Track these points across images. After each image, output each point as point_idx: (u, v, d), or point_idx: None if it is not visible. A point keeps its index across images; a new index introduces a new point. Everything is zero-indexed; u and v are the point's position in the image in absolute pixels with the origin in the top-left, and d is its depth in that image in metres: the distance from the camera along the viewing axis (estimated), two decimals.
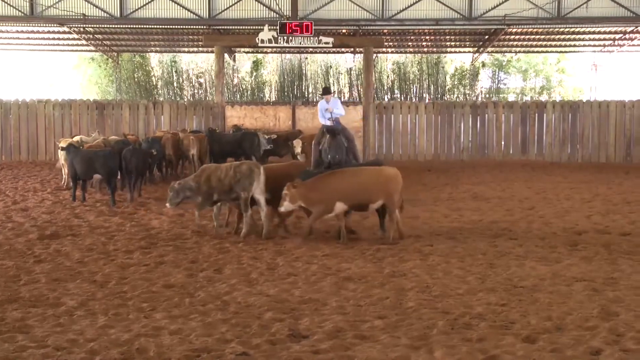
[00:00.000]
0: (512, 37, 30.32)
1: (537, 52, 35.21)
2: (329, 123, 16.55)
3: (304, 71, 36.43)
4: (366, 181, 12.08)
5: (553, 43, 31.96)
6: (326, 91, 17.45)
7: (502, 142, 28.19)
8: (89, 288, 9.00)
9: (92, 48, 32.88)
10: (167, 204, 12.88)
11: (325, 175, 12.32)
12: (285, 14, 26.03)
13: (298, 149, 20.71)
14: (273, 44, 26.01)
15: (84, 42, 30.90)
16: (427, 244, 11.85)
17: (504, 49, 33.88)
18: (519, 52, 35.10)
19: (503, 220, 14.10)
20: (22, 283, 9.24)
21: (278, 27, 25.25)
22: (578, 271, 9.88)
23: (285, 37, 25.44)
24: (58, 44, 32.28)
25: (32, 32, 29.63)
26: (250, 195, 12.47)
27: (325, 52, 33.89)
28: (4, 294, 8.63)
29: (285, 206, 11.92)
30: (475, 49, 32.84)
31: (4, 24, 28.07)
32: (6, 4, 25.86)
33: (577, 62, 39.24)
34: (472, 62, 35.34)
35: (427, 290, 8.89)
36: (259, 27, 25.90)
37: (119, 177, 17.18)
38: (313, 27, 25.22)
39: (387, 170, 12.40)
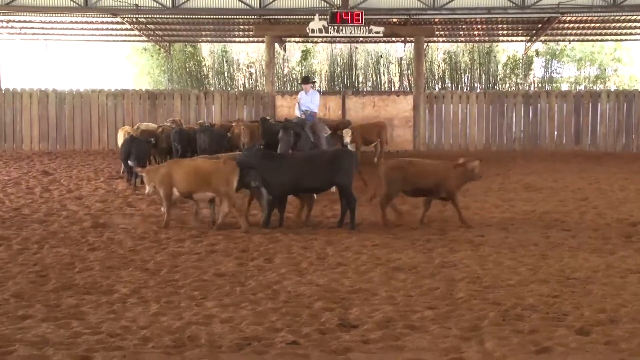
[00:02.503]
0: (566, 25, 29.89)
1: (592, 40, 34.67)
2: (299, 115, 16.57)
3: (354, 61, 36.37)
4: (189, 171, 12.28)
5: (608, 31, 31.42)
6: (305, 80, 17.41)
7: (555, 132, 27.81)
8: (141, 276, 9.11)
9: (145, 38, 33.23)
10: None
11: (169, 162, 13.11)
12: (335, 3, 26.01)
13: (347, 139, 20.70)
14: (323, 34, 26.00)
15: (136, 32, 31.24)
16: (478, 234, 11.77)
17: (558, 37, 33.40)
18: (573, 40, 34.55)
19: (555, 211, 13.92)
20: (76, 270, 9.38)
21: (328, 17, 25.21)
22: (633, 263, 9.72)
23: (335, 27, 25.39)
24: (111, 35, 32.69)
25: (86, 22, 30.04)
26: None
27: (375, 42, 33.77)
28: (59, 281, 8.77)
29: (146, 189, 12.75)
30: (528, 37, 32.44)
31: (59, 15, 28.51)
32: None
33: (634, 50, 38.53)
34: (524, 51, 34.91)
35: (477, 281, 8.82)
36: (310, 17, 25.88)
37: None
38: (364, 17, 25.15)
39: (209, 163, 12.52)
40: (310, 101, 16.98)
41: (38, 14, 28.34)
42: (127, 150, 17.06)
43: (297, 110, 17.15)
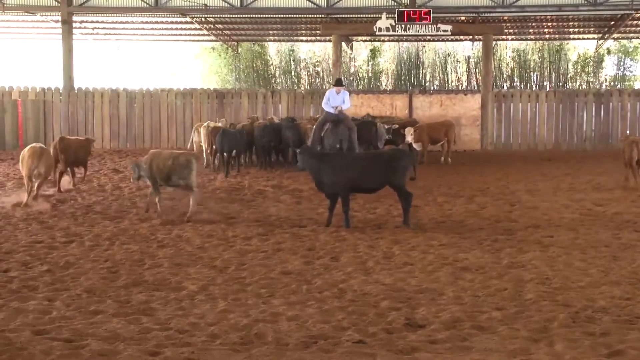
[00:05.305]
0: None
1: None
2: (332, 111, 17.72)
3: (421, 59, 36.17)
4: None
5: None
6: (338, 82, 19.07)
7: (628, 131, 27.23)
8: (209, 273, 9.21)
9: (213, 38, 33.61)
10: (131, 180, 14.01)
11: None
12: (403, 1, 25.90)
13: (409, 137, 20.60)
14: (391, 32, 25.92)
15: (205, 32, 31.62)
16: (547, 235, 11.58)
17: (631, 34, 32.71)
18: None
19: (627, 212, 13.59)
20: (146, 267, 9.53)
21: (396, 15, 25.14)
22: None
23: (403, 25, 25.30)
24: (180, 34, 33.16)
25: (157, 22, 30.53)
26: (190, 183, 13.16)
27: (443, 40, 33.52)
28: (129, 277, 8.93)
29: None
30: (600, 35, 31.83)
31: (130, 15, 29.03)
32: None
33: None
34: (596, 48, 34.25)
35: (547, 282, 8.67)
36: (377, 15, 25.84)
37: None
38: (431, 15, 24.99)
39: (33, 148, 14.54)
40: (343, 102, 18.32)
41: (110, 15, 28.90)
42: (221, 141, 19.02)
43: (325, 105, 18.57)
